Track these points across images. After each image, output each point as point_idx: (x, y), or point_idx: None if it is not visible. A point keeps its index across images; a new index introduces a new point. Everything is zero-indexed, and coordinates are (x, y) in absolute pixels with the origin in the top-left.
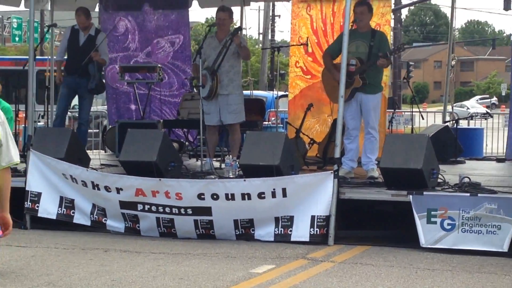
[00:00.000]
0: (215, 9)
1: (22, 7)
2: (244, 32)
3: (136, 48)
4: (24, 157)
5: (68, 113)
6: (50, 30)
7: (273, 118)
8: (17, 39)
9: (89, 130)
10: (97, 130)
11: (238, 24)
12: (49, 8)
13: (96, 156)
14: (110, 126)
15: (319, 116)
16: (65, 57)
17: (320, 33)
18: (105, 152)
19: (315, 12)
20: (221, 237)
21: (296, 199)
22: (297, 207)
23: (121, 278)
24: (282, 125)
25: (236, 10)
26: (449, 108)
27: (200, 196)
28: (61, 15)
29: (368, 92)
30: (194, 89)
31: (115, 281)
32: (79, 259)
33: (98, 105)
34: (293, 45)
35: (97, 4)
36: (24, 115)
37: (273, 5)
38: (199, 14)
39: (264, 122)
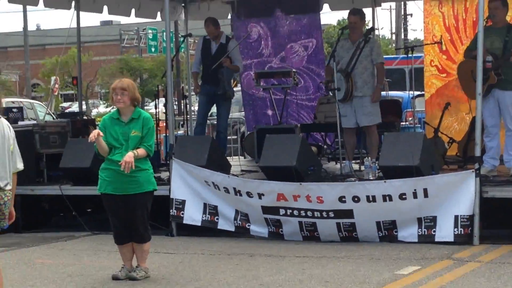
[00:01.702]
0: (347, 11)
1: (158, 18)
2: (376, 32)
3: (270, 54)
4: (166, 165)
5: (207, 121)
6: (185, 40)
7: (410, 118)
8: (153, 49)
9: (227, 137)
10: (235, 137)
11: (370, 25)
12: (183, 18)
13: (236, 162)
14: (248, 132)
15: (457, 114)
16: (201, 67)
17: (452, 30)
18: (244, 158)
19: (446, 9)
20: (364, 239)
21: (438, 199)
22: (439, 207)
23: (268, 282)
24: (419, 125)
25: (367, 11)
26: None
27: (341, 199)
28: (194, 24)
29: (504, 88)
30: (330, 92)
31: (262, 286)
32: (225, 264)
33: (235, 112)
34: (427, 44)
35: (229, 12)
36: (164, 124)
37: (405, 4)
38: (330, 17)
39: (402, 123)
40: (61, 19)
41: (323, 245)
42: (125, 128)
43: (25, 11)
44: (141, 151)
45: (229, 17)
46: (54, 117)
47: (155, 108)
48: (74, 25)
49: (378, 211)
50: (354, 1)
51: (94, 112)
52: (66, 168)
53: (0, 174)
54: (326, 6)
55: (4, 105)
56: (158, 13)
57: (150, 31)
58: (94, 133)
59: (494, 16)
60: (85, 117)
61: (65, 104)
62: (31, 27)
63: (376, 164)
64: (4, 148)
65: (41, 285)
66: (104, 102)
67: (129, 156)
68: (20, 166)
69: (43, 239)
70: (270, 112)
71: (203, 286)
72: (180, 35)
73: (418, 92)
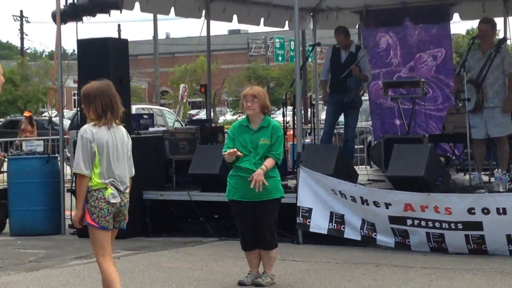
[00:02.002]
0: (477, 20)
1: (286, 27)
2: (508, 42)
3: (398, 63)
4: (293, 173)
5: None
6: (313, 49)
7: None
8: (280, 58)
9: (354, 146)
10: (362, 146)
11: (501, 35)
12: (311, 28)
13: (363, 171)
14: (375, 142)
15: None
16: (329, 76)
17: None
18: (371, 167)
19: None
20: (494, 252)
21: None
22: None
23: None
24: None
25: (499, 20)
26: None
27: (470, 211)
28: (322, 33)
29: None
30: (459, 103)
31: None
32: (351, 273)
33: (363, 121)
34: None
35: (357, 21)
36: (291, 132)
37: None
38: (459, 26)
39: None
40: (190, 28)
41: (450, 257)
42: (254, 136)
43: (155, 20)
44: (269, 163)
45: (357, 26)
46: (183, 124)
47: (283, 116)
48: (204, 33)
49: (508, 223)
50: (485, 9)
51: (221, 119)
52: (194, 174)
53: (121, 178)
54: (456, 16)
55: (134, 111)
56: (286, 22)
57: (277, 40)
58: (232, 152)
59: None
60: (213, 124)
61: (192, 112)
62: (161, 35)
63: (507, 176)
64: (124, 154)
65: None
66: (231, 109)
67: (259, 174)
68: (133, 171)
69: (172, 244)
70: (397, 122)
71: None
72: (307, 44)
73: None
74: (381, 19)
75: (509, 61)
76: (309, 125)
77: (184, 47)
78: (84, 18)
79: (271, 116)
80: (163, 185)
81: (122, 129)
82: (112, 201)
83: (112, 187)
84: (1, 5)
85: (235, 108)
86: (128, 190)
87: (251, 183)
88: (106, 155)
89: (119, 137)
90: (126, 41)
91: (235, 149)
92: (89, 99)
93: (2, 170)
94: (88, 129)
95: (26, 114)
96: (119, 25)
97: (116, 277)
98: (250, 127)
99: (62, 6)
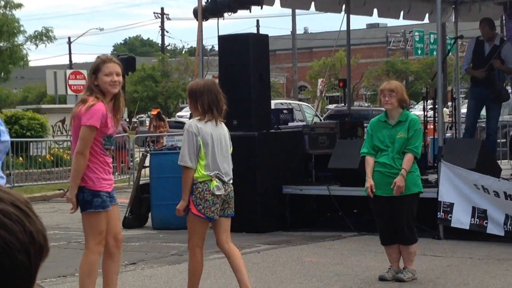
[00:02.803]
0: None
1: (426, 20)
2: None
3: None
4: (434, 168)
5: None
6: (455, 42)
7: None
8: (419, 52)
9: (497, 140)
10: (504, 140)
11: None
12: (453, 20)
13: (505, 166)
14: None
15: None
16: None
17: None
18: None
19: None
20: None
21: None
22: None
23: None
24: None
25: None
26: None
27: None
28: (463, 25)
29: None
30: None
31: None
32: (494, 269)
33: (505, 115)
34: None
35: (501, 13)
36: (432, 126)
37: None
38: None
39: None
40: (328, 23)
41: None
42: (392, 131)
43: (293, 15)
44: (408, 163)
45: (500, 18)
46: (321, 119)
47: (423, 110)
48: (343, 28)
49: None
50: None
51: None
52: (334, 168)
53: (225, 170)
54: None
55: (273, 106)
56: (427, 15)
57: (417, 33)
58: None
59: None
60: (353, 119)
61: (330, 106)
62: (299, 30)
63: None
64: (227, 149)
65: (309, 282)
66: (369, 104)
67: (400, 180)
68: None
69: (311, 238)
70: None
71: None
72: (448, 37)
73: None
74: None
75: None
76: (450, 119)
77: (322, 42)
78: (225, 14)
79: (409, 110)
80: (303, 180)
81: (224, 126)
82: (217, 193)
83: (217, 179)
84: (143, 2)
85: (373, 103)
86: (231, 181)
87: (394, 190)
88: (211, 148)
89: (223, 132)
90: (266, 36)
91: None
92: (196, 95)
93: (145, 165)
94: (193, 123)
95: (154, 111)
96: (257, 21)
97: (202, 267)
98: (389, 122)
99: (204, 3)
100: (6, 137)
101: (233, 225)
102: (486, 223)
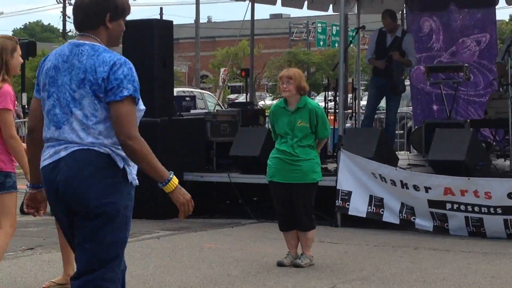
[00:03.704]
0: None
1: (330, 11)
2: None
3: (440, 48)
4: (333, 157)
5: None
6: (357, 32)
7: None
8: (321, 43)
9: (395, 131)
10: (402, 131)
11: None
12: (356, 12)
13: (403, 156)
14: (415, 127)
15: None
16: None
17: None
18: (410, 153)
19: None
20: None
21: None
22: None
23: (432, 275)
24: None
25: None
26: None
27: (510, 195)
28: (365, 18)
29: None
30: (501, 89)
31: (426, 278)
32: (389, 256)
33: (403, 106)
34: None
35: (402, 5)
36: (332, 117)
37: None
38: (503, 12)
39: None
40: (232, 12)
41: (488, 241)
42: (291, 117)
43: (197, 3)
44: (319, 146)
45: (401, 11)
46: (223, 108)
47: (325, 101)
48: (247, 17)
49: None
50: None
51: (260, 104)
52: (235, 156)
53: None
54: (501, 0)
55: (175, 94)
56: (330, 6)
57: (319, 24)
58: None
59: None
60: (255, 107)
61: (232, 96)
62: (203, 19)
63: None
64: None
65: (208, 268)
66: (271, 94)
67: None
68: None
69: (211, 225)
70: (435, 107)
71: (366, 276)
72: (349, 29)
73: None
74: (425, 3)
75: None
76: (350, 110)
77: (226, 31)
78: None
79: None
80: (204, 167)
81: None
82: None
83: None
84: None
85: (275, 93)
86: None
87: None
88: None
89: None
90: (171, 23)
91: None
92: None
93: None
94: None
95: None
96: (161, 8)
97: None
98: (287, 109)
99: None
100: (143, 106)
101: (134, 211)
102: (382, 211)
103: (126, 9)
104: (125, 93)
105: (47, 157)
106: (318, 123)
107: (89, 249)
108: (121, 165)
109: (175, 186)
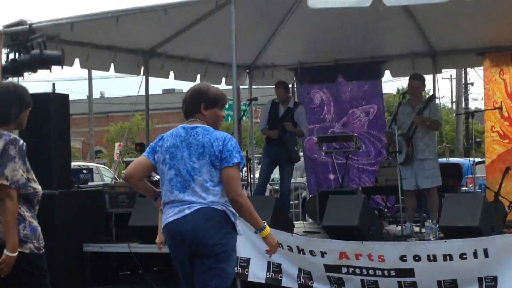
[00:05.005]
0: (406, 79)
1: (223, 84)
2: (437, 101)
3: (332, 119)
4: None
5: (268, 185)
6: (250, 104)
7: (470, 185)
8: None
9: (290, 199)
10: (297, 202)
11: (430, 93)
12: (247, 85)
13: (298, 225)
14: (310, 196)
15: None
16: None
17: None
18: (306, 221)
19: (508, 76)
20: None
21: (498, 259)
22: (500, 267)
23: None
24: (480, 191)
25: (428, 78)
26: None
27: (403, 258)
28: (257, 92)
29: None
30: (390, 157)
31: None
32: None
33: (297, 177)
34: (487, 109)
35: (293, 78)
36: None
37: (465, 73)
38: (390, 85)
39: (462, 188)
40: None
41: None
42: None
43: (90, 79)
44: None
45: (291, 83)
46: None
47: None
48: (141, 92)
49: (439, 270)
50: (415, 67)
51: (156, 177)
52: (134, 226)
53: None
54: (387, 73)
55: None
56: (223, 79)
57: None
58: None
59: None
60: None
61: None
62: (96, 95)
63: (437, 226)
64: None
65: None
66: None
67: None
68: None
69: None
70: (332, 176)
71: None
72: (242, 103)
73: (479, 159)
74: (315, 76)
75: (434, 112)
76: (245, 181)
77: (118, 107)
78: (26, 74)
79: None
80: (104, 238)
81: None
82: None
83: None
84: None
85: None
86: None
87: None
88: None
89: None
90: (67, 96)
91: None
92: None
93: None
94: None
95: None
96: (53, 84)
97: None
98: None
99: (3, 62)
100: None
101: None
102: (281, 276)
103: (219, 100)
104: (235, 160)
105: (171, 215)
106: None
107: (214, 280)
108: (232, 219)
109: (268, 232)
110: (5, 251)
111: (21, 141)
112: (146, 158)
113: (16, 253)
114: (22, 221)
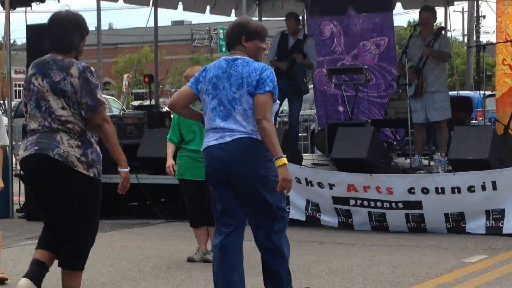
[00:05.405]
0: (417, 12)
1: (232, 15)
2: (448, 34)
3: (342, 52)
4: None
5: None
6: None
7: (480, 118)
8: (223, 49)
9: (299, 131)
10: (306, 134)
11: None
12: (257, 16)
13: (307, 157)
14: (319, 128)
15: None
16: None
17: None
18: (315, 154)
19: None
20: (432, 230)
21: (507, 192)
22: (507, 200)
23: (338, 266)
24: (490, 124)
25: (440, 11)
26: None
27: (411, 191)
28: (267, 23)
29: None
30: (400, 90)
31: (332, 269)
32: (296, 250)
33: (306, 109)
34: (499, 42)
35: (303, 10)
36: None
37: (477, 6)
38: (401, 18)
39: (472, 121)
40: (133, 19)
41: (391, 235)
42: None
43: (98, 10)
44: None
45: (301, 16)
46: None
47: None
48: (150, 23)
49: (446, 203)
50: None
51: (166, 109)
52: (143, 157)
53: None
54: (398, 5)
55: None
56: (233, 11)
57: (221, 30)
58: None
59: None
60: (161, 110)
61: (135, 103)
62: (104, 26)
63: (446, 159)
64: None
65: (119, 265)
66: None
67: None
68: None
69: (120, 225)
70: (341, 109)
71: None
72: None
73: (489, 92)
74: (325, 8)
75: (445, 43)
76: None
77: (127, 38)
78: (33, 4)
79: None
80: (112, 169)
81: None
82: None
83: None
84: None
85: None
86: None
87: None
88: None
89: None
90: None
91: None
92: None
93: None
94: None
95: None
96: None
97: None
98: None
99: None
100: (278, 101)
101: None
102: (289, 208)
103: (259, 32)
104: (267, 88)
105: (213, 140)
106: None
107: (270, 199)
108: None
109: (282, 163)
110: (119, 169)
111: (92, 68)
112: (189, 88)
113: (129, 168)
114: (90, 146)
